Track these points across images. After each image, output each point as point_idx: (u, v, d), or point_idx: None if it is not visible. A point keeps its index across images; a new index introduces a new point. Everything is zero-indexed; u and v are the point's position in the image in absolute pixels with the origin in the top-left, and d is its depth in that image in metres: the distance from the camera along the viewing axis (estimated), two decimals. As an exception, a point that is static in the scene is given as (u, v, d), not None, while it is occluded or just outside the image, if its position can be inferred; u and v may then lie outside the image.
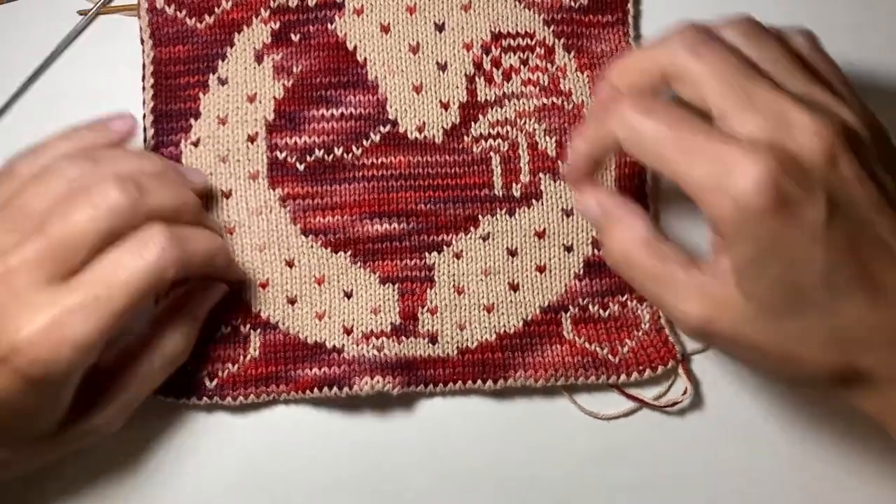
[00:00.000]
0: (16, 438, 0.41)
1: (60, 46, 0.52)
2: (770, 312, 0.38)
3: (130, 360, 0.44)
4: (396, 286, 0.49)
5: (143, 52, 0.51)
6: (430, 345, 0.48)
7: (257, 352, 0.48)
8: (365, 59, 0.50)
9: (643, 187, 0.50)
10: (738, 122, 0.37)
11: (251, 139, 0.50)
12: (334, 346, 0.48)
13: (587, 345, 0.49)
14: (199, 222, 0.46)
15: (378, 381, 0.47)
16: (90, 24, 0.52)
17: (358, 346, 0.48)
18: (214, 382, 0.48)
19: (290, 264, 0.49)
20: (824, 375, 0.39)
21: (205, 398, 0.47)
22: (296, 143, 0.50)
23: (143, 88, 0.50)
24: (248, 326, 0.49)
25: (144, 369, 0.44)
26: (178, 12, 0.51)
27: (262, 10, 0.51)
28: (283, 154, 0.50)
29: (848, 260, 0.37)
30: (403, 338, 0.48)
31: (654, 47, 0.40)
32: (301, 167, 0.50)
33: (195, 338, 0.46)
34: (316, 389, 0.47)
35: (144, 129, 0.50)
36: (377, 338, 0.48)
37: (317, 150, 0.50)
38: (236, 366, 0.48)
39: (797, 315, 0.38)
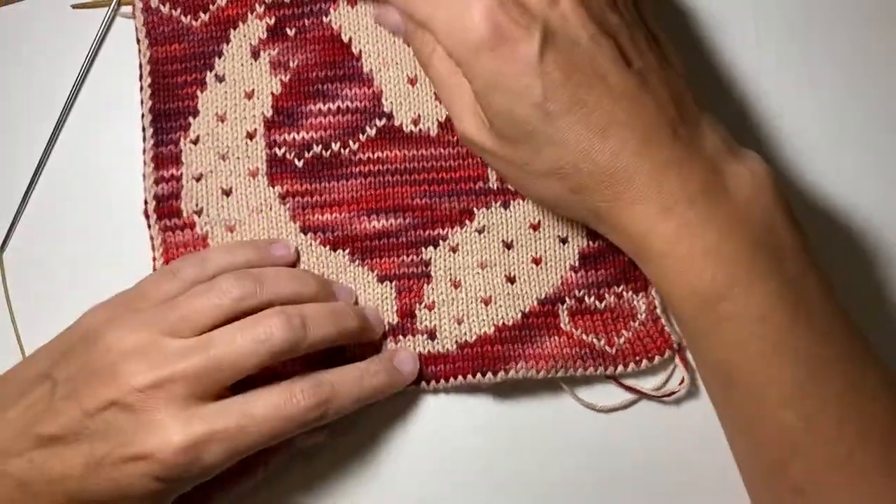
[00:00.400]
0: None
1: (92, 50, 0.52)
2: (504, 138, 0.42)
3: None
4: (394, 283, 0.49)
5: (140, 51, 0.51)
6: (429, 341, 0.49)
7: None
8: (360, 51, 0.50)
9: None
10: None
11: (250, 136, 0.50)
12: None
13: (584, 336, 0.49)
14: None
15: (378, 379, 0.48)
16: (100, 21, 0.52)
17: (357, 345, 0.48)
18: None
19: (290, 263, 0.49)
20: (566, 202, 0.43)
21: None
22: (294, 138, 0.50)
23: (141, 88, 0.50)
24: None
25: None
26: (173, 10, 0.51)
27: (257, 5, 0.50)
28: (282, 150, 0.50)
29: (562, 90, 0.40)
30: (402, 336, 0.49)
31: None
32: (299, 163, 0.50)
33: None
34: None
35: (143, 129, 0.50)
36: (376, 337, 0.49)
37: (314, 146, 0.50)
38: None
39: (524, 141, 0.42)
